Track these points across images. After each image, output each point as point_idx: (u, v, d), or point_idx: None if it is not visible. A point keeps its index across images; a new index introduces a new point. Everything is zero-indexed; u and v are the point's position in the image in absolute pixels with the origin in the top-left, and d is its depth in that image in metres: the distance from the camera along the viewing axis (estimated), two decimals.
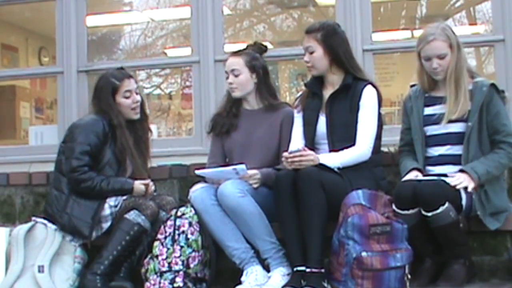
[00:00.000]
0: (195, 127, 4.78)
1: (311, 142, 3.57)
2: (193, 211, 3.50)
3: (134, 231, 3.53)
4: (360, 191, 3.26)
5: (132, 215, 3.55)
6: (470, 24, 8.15)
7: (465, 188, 3.24)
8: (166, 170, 4.21)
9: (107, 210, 3.63)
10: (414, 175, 3.36)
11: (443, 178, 3.27)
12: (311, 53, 3.55)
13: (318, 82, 3.63)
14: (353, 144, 3.45)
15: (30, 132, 5.28)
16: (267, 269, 3.42)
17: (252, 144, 3.70)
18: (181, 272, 3.40)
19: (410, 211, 3.22)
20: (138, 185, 3.69)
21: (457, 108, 3.34)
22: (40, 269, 3.56)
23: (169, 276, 3.39)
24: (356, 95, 3.49)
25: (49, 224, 3.66)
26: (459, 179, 3.25)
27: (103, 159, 3.70)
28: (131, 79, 3.83)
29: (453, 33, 3.43)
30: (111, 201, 3.65)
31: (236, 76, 3.71)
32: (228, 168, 3.52)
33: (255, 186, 3.50)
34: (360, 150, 3.45)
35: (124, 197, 3.65)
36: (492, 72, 5.54)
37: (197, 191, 3.54)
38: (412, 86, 3.64)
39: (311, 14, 7.99)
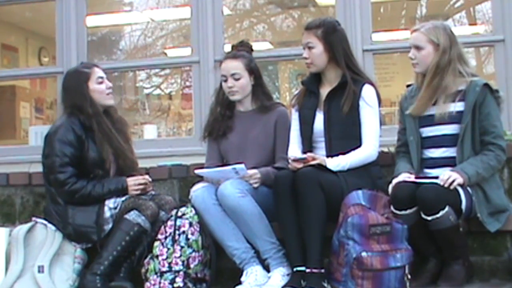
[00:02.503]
0: (195, 127, 4.78)
1: (308, 141, 3.58)
2: (193, 211, 3.51)
3: (134, 232, 3.53)
4: (360, 192, 3.26)
5: (132, 216, 3.55)
6: (470, 24, 8.16)
7: (452, 182, 3.20)
8: (166, 170, 4.20)
9: (107, 213, 3.63)
10: (402, 177, 3.34)
11: (435, 180, 3.25)
12: (311, 49, 3.55)
13: (315, 79, 3.64)
14: (351, 143, 3.46)
15: (30, 132, 5.28)
16: (267, 269, 3.43)
17: (248, 145, 3.70)
18: (181, 272, 3.40)
19: (408, 211, 3.22)
20: (132, 182, 3.68)
21: (424, 108, 3.37)
22: (40, 269, 3.56)
23: (169, 276, 3.40)
24: (354, 94, 3.49)
25: (49, 224, 3.66)
26: (450, 177, 3.20)
27: (86, 162, 3.67)
28: (99, 68, 3.83)
29: (448, 34, 3.40)
30: (110, 204, 3.64)
31: (237, 80, 3.69)
32: (227, 168, 3.52)
33: (255, 185, 3.50)
34: (366, 151, 3.46)
35: (123, 198, 3.65)
36: (492, 72, 5.54)
37: (198, 191, 3.54)
38: (408, 86, 3.64)
39: (311, 14, 7.99)
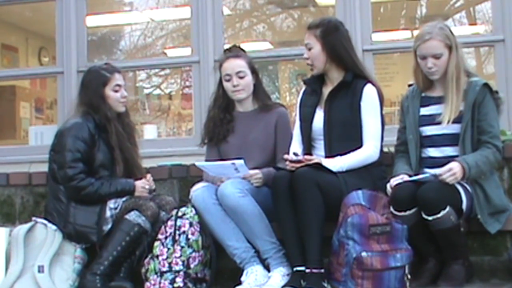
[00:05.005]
0: (195, 127, 4.79)
1: (307, 139, 3.58)
2: (193, 212, 3.51)
3: (134, 232, 3.53)
4: (360, 192, 3.26)
5: (132, 216, 3.55)
6: (470, 24, 8.16)
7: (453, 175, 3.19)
8: (166, 170, 4.20)
9: (107, 213, 3.63)
10: (400, 178, 3.33)
11: (433, 172, 3.24)
12: (310, 49, 3.55)
13: (318, 79, 3.63)
14: (351, 145, 3.44)
15: (30, 132, 5.28)
16: (267, 268, 3.42)
17: (249, 146, 3.69)
18: (181, 272, 3.40)
19: (408, 212, 3.22)
20: (140, 184, 3.69)
21: (456, 108, 3.34)
22: (40, 269, 3.56)
23: (169, 276, 3.40)
24: (356, 94, 3.48)
25: (49, 224, 3.66)
26: (451, 170, 3.19)
27: (95, 162, 3.69)
28: (120, 74, 3.83)
29: (452, 33, 3.41)
30: (110, 204, 3.65)
31: (242, 78, 3.69)
32: (227, 162, 3.50)
33: (256, 185, 3.50)
34: (366, 152, 3.44)
35: (124, 199, 3.66)
36: (492, 72, 5.54)
37: (198, 190, 3.54)
38: (410, 85, 3.63)
39: (311, 14, 7.99)
